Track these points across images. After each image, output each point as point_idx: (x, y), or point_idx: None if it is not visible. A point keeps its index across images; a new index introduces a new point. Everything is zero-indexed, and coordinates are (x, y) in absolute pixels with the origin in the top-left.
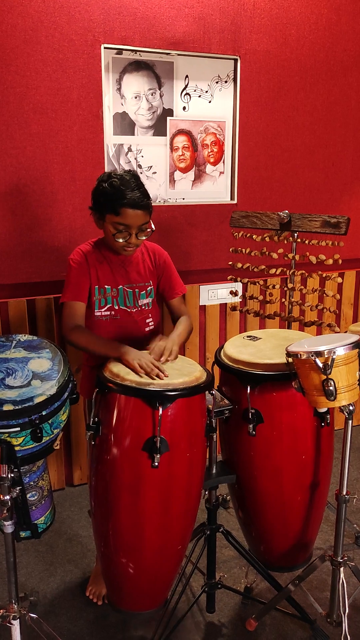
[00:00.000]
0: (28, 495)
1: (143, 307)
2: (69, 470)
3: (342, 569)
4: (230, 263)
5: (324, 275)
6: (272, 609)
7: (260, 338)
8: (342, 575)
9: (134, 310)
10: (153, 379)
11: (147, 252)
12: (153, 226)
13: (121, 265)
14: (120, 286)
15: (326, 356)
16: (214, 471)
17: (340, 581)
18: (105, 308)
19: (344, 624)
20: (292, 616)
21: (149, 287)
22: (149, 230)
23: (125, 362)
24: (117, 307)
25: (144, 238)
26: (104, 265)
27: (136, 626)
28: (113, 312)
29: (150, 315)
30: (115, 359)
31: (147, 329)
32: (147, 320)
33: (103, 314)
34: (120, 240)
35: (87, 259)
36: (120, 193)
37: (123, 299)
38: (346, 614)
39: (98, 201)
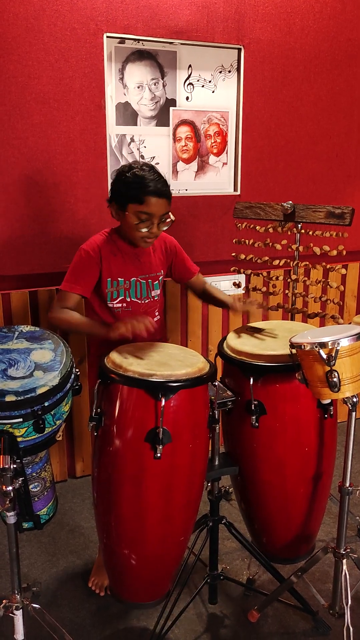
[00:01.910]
0: (31, 487)
1: (155, 299)
2: (71, 461)
3: (344, 560)
4: (233, 254)
5: (328, 266)
6: (275, 601)
7: (263, 329)
8: (344, 567)
9: (145, 302)
10: (141, 329)
11: (157, 241)
12: (173, 217)
13: (135, 256)
14: (134, 278)
15: (330, 347)
16: (216, 463)
17: (343, 573)
18: (118, 300)
19: (346, 616)
20: (294, 608)
21: (161, 277)
22: (169, 220)
23: (113, 333)
24: (129, 300)
25: (164, 228)
26: (118, 258)
27: (138, 617)
28: (125, 305)
29: (157, 305)
30: (103, 337)
31: (154, 319)
32: (155, 312)
33: (115, 306)
34: (144, 230)
35: (101, 252)
36: (144, 182)
37: (135, 291)
38: (348, 606)
39: (119, 191)
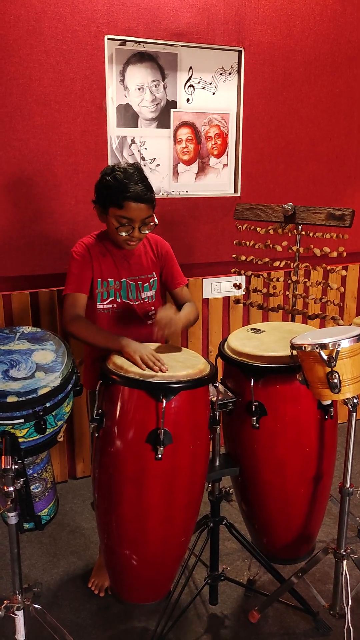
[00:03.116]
0: (32, 487)
1: (146, 300)
2: (71, 463)
3: (345, 561)
4: (234, 256)
5: (328, 268)
6: (275, 601)
7: (264, 331)
8: (345, 567)
9: (136, 304)
10: (155, 371)
11: (150, 244)
12: (156, 220)
13: (124, 258)
14: (124, 279)
15: (331, 348)
16: (217, 464)
17: (343, 574)
18: (108, 301)
19: (346, 616)
20: (294, 608)
21: (152, 279)
22: (152, 224)
23: (126, 354)
24: (119, 300)
25: (147, 232)
26: (107, 258)
27: (139, 617)
28: (115, 305)
29: (152, 308)
30: (115, 351)
31: (149, 322)
32: (150, 314)
33: (105, 306)
34: (123, 234)
35: (90, 252)
36: (123, 186)
37: (126, 292)
38: (349, 607)
39: (101, 194)
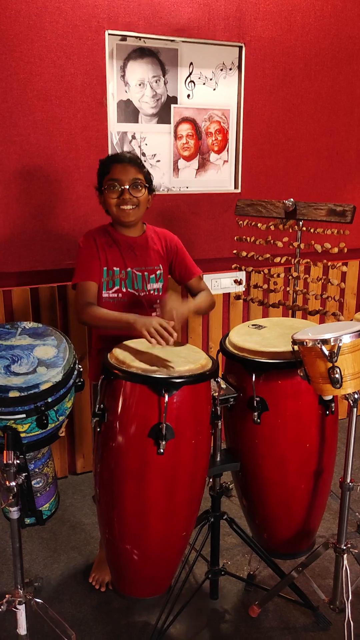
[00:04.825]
0: (33, 482)
1: (152, 292)
2: (72, 458)
3: (345, 556)
4: (234, 252)
5: (329, 264)
6: (275, 596)
7: (265, 326)
8: (345, 562)
9: (142, 294)
10: (160, 343)
11: (158, 237)
12: (150, 187)
13: (130, 248)
14: (129, 269)
15: (332, 344)
16: (218, 459)
17: (343, 568)
18: (113, 290)
19: (346, 611)
20: (295, 603)
21: (159, 272)
22: (143, 185)
23: (135, 331)
24: (124, 290)
25: (139, 195)
26: (113, 248)
27: (140, 612)
28: (120, 295)
29: (158, 301)
30: (125, 328)
31: (153, 314)
32: (155, 306)
33: (111, 295)
34: (114, 197)
35: (96, 242)
36: (111, 155)
37: (132, 282)
38: (349, 601)
39: (98, 173)
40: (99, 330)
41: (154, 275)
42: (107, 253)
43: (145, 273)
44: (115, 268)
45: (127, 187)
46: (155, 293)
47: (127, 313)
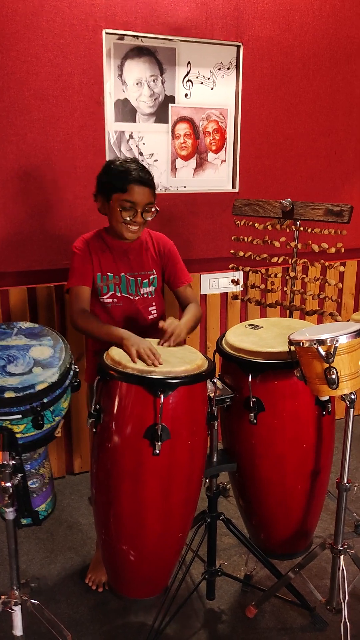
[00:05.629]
0: (29, 483)
1: (145, 296)
2: (69, 458)
3: (342, 556)
4: (232, 251)
5: (326, 264)
6: (272, 596)
7: (262, 327)
8: (341, 563)
9: (137, 298)
10: (149, 365)
11: (152, 241)
12: (157, 208)
13: (123, 253)
14: (123, 274)
15: (329, 344)
16: (214, 459)
17: (340, 569)
18: (108, 295)
19: (343, 611)
20: (291, 603)
21: (152, 276)
22: (153, 210)
23: (125, 347)
24: (119, 295)
25: (149, 218)
26: (107, 254)
27: (137, 612)
28: (116, 300)
29: (153, 303)
30: (116, 344)
31: (150, 317)
32: (150, 309)
33: (106, 300)
34: (127, 218)
35: (90, 247)
36: (127, 171)
37: (125, 287)
38: (346, 602)
39: (105, 183)
40: None
41: (147, 280)
42: (101, 257)
43: (139, 278)
44: (108, 273)
45: (141, 212)
46: (149, 296)
47: (120, 329)
